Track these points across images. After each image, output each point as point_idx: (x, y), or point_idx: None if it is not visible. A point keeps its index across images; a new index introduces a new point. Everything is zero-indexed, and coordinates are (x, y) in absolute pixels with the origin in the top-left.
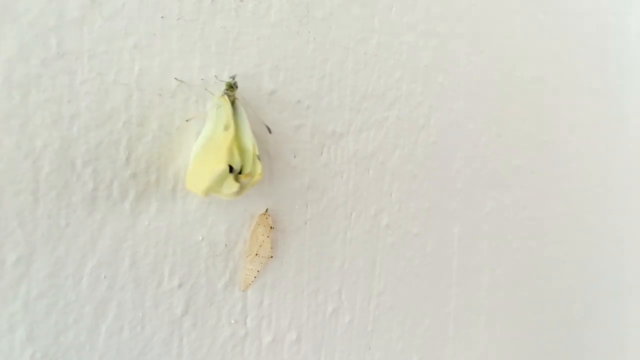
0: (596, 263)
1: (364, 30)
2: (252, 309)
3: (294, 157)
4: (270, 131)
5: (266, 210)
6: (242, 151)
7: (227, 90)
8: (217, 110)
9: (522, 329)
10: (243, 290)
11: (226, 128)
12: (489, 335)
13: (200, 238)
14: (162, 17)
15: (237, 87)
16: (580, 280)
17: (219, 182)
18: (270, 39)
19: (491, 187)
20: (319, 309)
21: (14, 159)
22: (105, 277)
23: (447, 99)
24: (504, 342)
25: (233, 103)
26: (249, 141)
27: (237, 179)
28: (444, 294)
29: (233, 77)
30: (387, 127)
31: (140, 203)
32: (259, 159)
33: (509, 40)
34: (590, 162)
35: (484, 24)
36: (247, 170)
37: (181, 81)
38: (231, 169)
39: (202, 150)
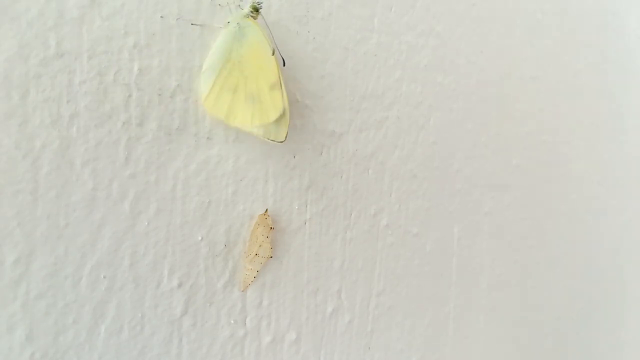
0: (596, 263)
1: (363, 30)
2: (252, 309)
3: (294, 157)
4: (284, 64)
5: (266, 211)
6: None
7: (251, 12)
8: (239, 30)
9: (522, 328)
10: (242, 291)
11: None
12: (489, 335)
13: (200, 238)
14: (161, 17)
15: (260, 13)
16: (580, 280)
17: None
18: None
19: (491, 187)
20: (318, 309)
21: (13, 159)
22: (104, 277)
23: (446, 99)
24: (504, 342)
25: None
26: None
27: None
28: (444, 294)
29: (259, 2)
30: (386, 127)
31: (140, 203)
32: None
33: (508, 40)
34: (590, 162)
35: (484, 24)
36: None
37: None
38: None
39: (224, 72)
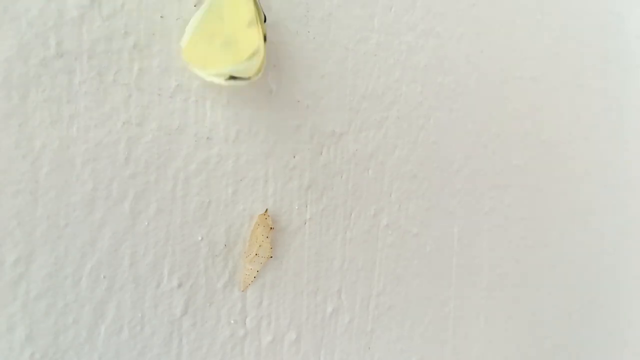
0: (596, 263)
1: (363, 30)
2: (252, 309)
3: (294, 157)
4: (265, 19)
5: (266, 211)
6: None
7: None
8: None
9: (522, 328)
10: (242, 290)
11: None
12: (489, 335)
13: (200, 238)
14: (161, 17)
15: None
16: (580, 280)
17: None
18: (269, 39)
19: (491, 187)
20: (318, 309)
21: (13, 159)
22: (104, 277)
23: (447, 99)
24: (504, 342)
25: None
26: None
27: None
28: (444, 293)
29: None
30: (386, 127)
31: (140, 203)
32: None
33: (508, 40)
34: (590, 162)
35: (484, 24)
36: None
37: None
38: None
39: (204, 20)
